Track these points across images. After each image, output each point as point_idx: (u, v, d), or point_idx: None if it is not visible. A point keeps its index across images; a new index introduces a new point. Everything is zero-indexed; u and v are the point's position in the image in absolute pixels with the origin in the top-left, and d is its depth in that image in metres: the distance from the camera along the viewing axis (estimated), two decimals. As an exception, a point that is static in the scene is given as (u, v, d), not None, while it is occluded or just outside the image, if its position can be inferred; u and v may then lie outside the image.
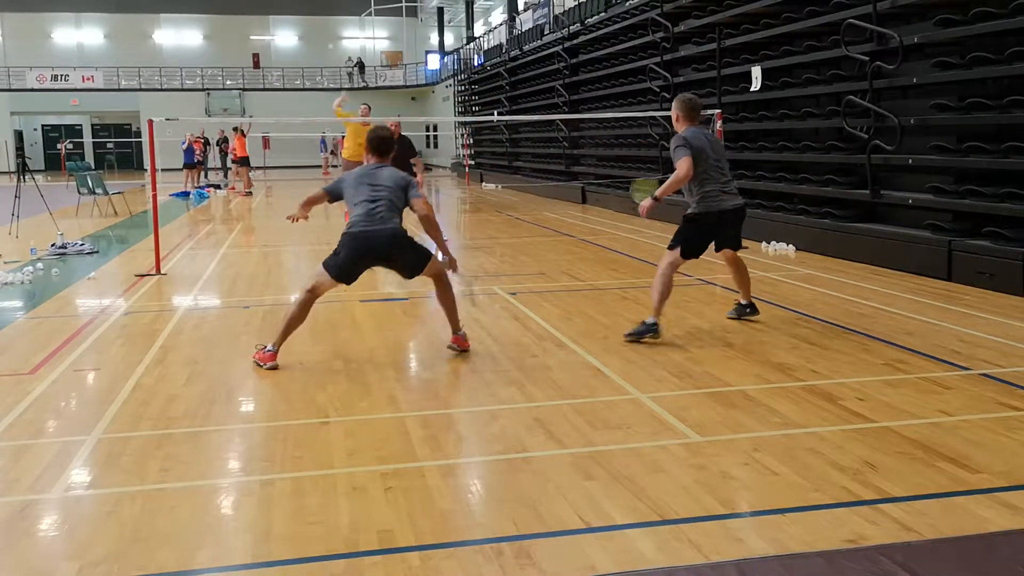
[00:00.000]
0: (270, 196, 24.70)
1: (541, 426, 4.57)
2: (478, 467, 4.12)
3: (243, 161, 25.99)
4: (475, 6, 46.08)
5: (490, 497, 3.77)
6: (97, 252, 11.73)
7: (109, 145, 45.83)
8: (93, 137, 46.02)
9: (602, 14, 20.55)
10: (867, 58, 10.09)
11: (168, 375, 5.70)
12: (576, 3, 23.39)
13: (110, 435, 4.54)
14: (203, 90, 46.33)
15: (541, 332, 6.77)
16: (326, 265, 5.75)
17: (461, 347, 6.11)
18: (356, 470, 4.00)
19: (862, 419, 4.59)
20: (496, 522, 3.46)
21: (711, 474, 3.88)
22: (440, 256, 5.99)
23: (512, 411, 4.86)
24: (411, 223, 6.00)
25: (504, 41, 31.92)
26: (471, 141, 33.74)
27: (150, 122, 10.08)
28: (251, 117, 27.45)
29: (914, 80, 9.66)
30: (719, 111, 11.65)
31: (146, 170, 20.96)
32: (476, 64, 35.66)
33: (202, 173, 28.40)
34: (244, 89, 46.94)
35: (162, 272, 9.87)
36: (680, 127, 6.40)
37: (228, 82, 47.36)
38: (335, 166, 32.99)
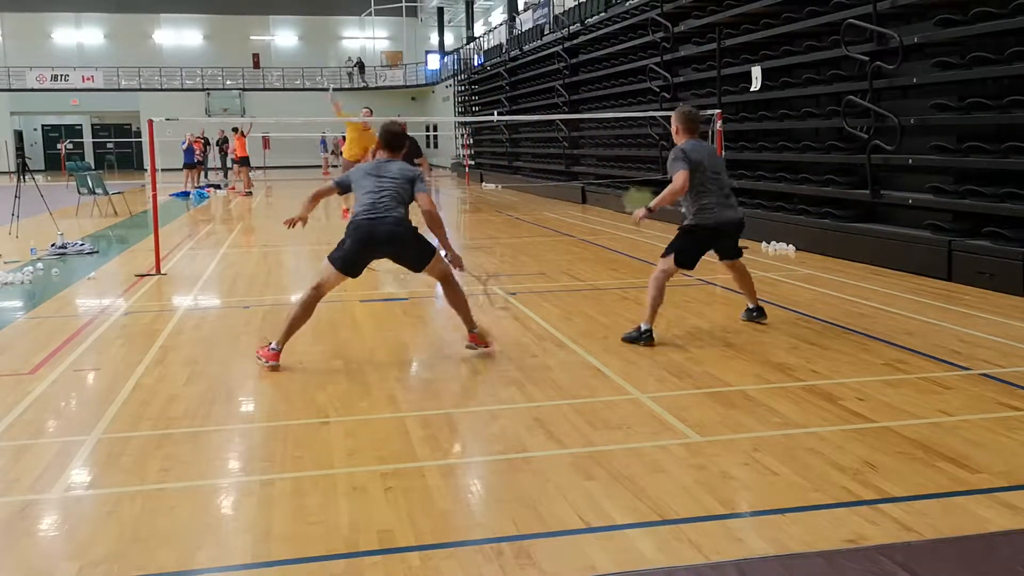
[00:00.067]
0: (270, 196, 24.71)
1: (541, 426, 4.57)
2: (478, 467, 4.12)
3: (243, 161, 26.00)
4: (475, 6, 46.08)
5: (490, 497, 3.77)
6: (97, 252, 11.73)
7: (109, 145, 45.82)
8: (93, 137, 46.01)
9: (602, 14, 20.56)
10: (867, 58, 10.09)
11: (168, 375, 5.70)
12: (576, 3, 23.39)
13: (110, 435, 4.54)
14: (203, 90, 46.33)
15: (541, 332, 6.77)
16: (331, 258, 5.75)
17: (480, 345, 6.00)
18: (356, 470, 4.00)
19: (862, 419, 4.59)
20: (496, 522, 3.46)
21: (711, 474, 3.88)
22: (445, 254, 5.95)
23: (512, 411, 4.85)
24: (417, 218, 5.99)
25: (504, 41, 31.92)
26: (471, 141, 33.74)
27: (150, 122, 10.08)
28: (253, 119, 27.41)
29: (914, 80, 9.66)
30: (719, 111, 11.65)
31: (146, 170, 20.96)
32: (476, 64, 35.66)
33: (202, 173, 28.40)
34: (244, 89, 46.94)
35: (162, 272, 9.87)
36: (679, 140, 6.38)
37: (228, 82, 47.36)
38: (335, 166, 32.98)
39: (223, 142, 31.25)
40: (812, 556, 3.10)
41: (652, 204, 6.15)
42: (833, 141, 11.29)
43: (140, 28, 48.24)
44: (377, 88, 47.59)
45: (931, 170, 9.61)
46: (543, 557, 3.14)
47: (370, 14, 48.50)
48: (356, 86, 47.36)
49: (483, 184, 28.48)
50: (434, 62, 46.78)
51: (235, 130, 27.18)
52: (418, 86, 48.05)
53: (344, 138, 15.13)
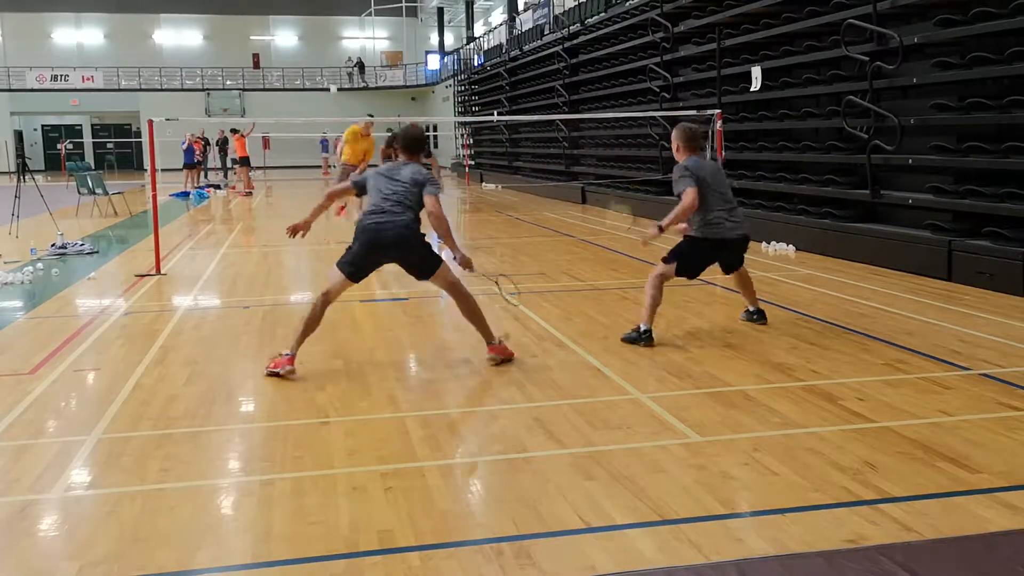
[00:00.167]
0: (270, 196, 24.71)
1: (541, 426, 4.57)
2: (478, 467, 4.11)
3: (243, 161, 26.00)
4: (475, 6, 46.07)
5: (490, 497, 3.77)
6: (97, 252, 11.73)
7: (109, 145, 45.83)
8: (93, 137, 46.02)
9: (602, 14, 20.56)
10: (867, 58, 10.09)
11: (168, 375, 5.70)
12: (576, 3, 23.39)
13: (110, 435, 4.54)
14: (203, 90, 46.34)
15: (541, 332, 6.77)
16: (339, 264, 5.70)
17: (502, 356, 5.82)
18: (356, 470, 4.00)
19: (862, 419, 4.59)
20: (496, 522, 3.46)
21: (711, 474, 3.88)
22: (453, 256, 5.83)
23: (512, 411, 4.85)
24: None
25: (504, 41, 31.93)
26: (471, 141, 33.75)
27: (150, 122, 10.08)
28: (254, 121, 27.38)
29: (914, 80, 9.66)
30: (719, 111, 11.64)
31: (146, 170, 20.96)
32: (476, 64, 35.67)
33: (202, 173, 28.40)
34: (244, 89, 46.95)
35: (162, 272, 9.87)
36: (681, 157, 6.36)
37: (228, 82, 47.36)
38: (333, 166, 32.99)
39: (223, 142, 31.25)
40: (812, 556, 3.10)
41: (664, 223, 6.12)
42: (833, 141, 11.29)
43: (140, 28, 48.25)
44: (377, 88, 47.60)
45: (931, 170, 9.61)
46: (543, 557, 3.14)
47: (370, 14, 48.51)
48: (356, 86, 47.37)
49: (483, 184, 28.49)
50: (434, 62, 46.79)
51: (233, 131, 27.18)
52: (418, 86, 48.05)
53: (338, 139, 15.13)
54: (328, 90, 43.11)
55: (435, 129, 45.17)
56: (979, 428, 4.41)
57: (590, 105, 20.72)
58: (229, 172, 31.78)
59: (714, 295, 8.24)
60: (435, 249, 5.87)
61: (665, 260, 6.37)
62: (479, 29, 44.98)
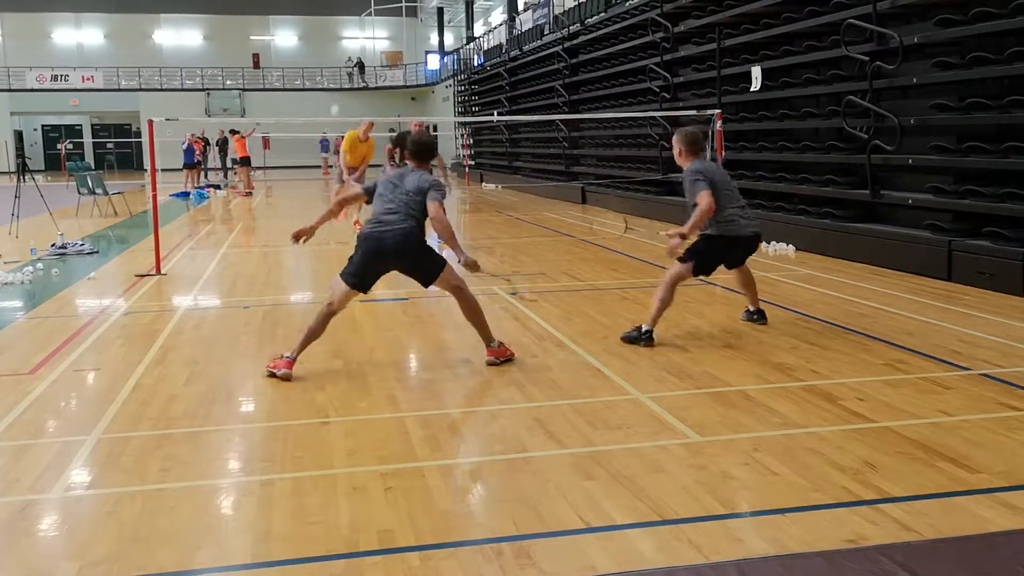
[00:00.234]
0: (270, 196, 24.71)
1: (541, 426, 4.57)
2: (478, 467, 4.11)
3: (244, 161, 25.99)
4: (475, 6, 46.07)
5: (490, 497, 3.77)
6: (97, 252, 11.73)
7: (109, 145, 45.82)
8: (93, 137, 46.02)
9: (602, 14, 20.56)
10: (867, 58, 10.09)
11: (168, 375, 5.70)
12: (576, 3, 23.38)
13: (110, 435, 4.54)
14: (203, 90, 46.33)
15: (541, 332, 6.77)
16: (342, 275, 5.67)
17: (500, 358, 5.80)
18: (356, 470, 4.00)
19: (862, 419, 4.59)
20: (496, 522, 3.46)
21: (711, 474, 3.88)
22: (458, 260, 5.78)
23: (512, 411, 4.86)
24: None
25: (504, 41, 31.93)
26: (471, 141, 33.74)
27: (150, 122, 10.08)
28: (256, 123, 27.38)
29: (914, 80, 9.66)
30: (719, 111, 11.64)
31: (146, 170, 20.95)
32: (476, 64, 35.67)
33: (202, 173, 28.40)
34: (244, 89, 46.94)
35: (162, 272, 9.87)
36: (684, 162, 6.35)
37: (228, 82, 47.36)
38: (332, 166, 32.98)
39: (223, 142, 31.26)
40: (812, 556, 3.10)
41: (685, 229, 6.09)
42: (833, 141, 11.29)
43: (140, 28, 48.24)
44: (377, 88, 47.60)
45: (931, 170, 9.61)
46: (543, 557, 3.14)
47: (370, 14, 48.50)
48: (356, 86, 47.37)
49: (483, 184, 28.48)
50: (434, 62, 46.77)
51: (233, 132, 27.18)
52: (418, 86, 48.04)
53: (339, 138, 15.14)
54: (328, 90, 43.15)
55: (435, 129, 45.18)
56: (979, 428, 4.41)
57: (590, 105, 20.72)
58: (229, 172, 31.79)
59: (714, 295, 8.25)
60: (437, 253, 5.87)
61: (682, 260, 6.35)
62: (479, 29, 44.97)
